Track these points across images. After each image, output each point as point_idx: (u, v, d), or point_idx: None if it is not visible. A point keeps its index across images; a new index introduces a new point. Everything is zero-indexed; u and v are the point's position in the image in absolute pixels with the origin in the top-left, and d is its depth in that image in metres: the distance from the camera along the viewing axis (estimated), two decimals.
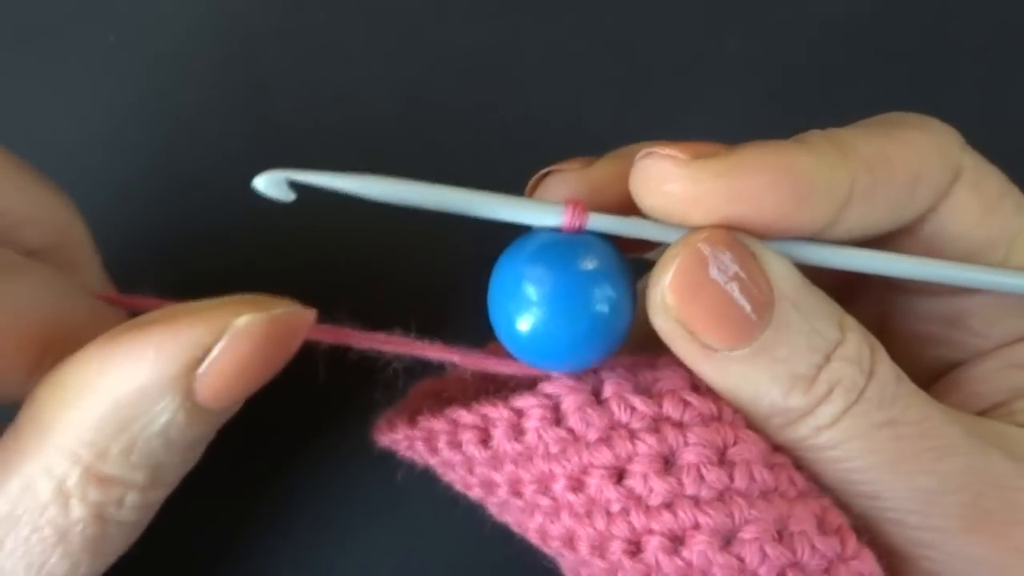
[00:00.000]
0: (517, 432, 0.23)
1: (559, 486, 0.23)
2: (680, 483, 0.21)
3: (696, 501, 0.21)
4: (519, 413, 0.23)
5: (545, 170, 0.24)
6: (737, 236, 0.21)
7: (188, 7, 0.34)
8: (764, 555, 0.21)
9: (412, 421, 0.25)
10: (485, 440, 0.24)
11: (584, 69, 0.34)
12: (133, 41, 0.34)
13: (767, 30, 0.34)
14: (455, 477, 0.26)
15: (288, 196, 0.21)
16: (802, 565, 0.21)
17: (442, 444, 0.24)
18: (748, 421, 0.22)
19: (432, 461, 0.26)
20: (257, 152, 0.34)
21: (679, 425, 0.22)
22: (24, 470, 0.21)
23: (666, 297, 0.21)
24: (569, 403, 0.23)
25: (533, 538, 0.25)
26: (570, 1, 0.34)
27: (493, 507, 0.26)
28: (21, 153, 0.35)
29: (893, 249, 0.23)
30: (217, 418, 0.22)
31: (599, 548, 0.22)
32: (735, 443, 0.22)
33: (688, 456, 0.22)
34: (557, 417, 0.23)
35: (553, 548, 0.24)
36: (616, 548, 0.22)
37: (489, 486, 0.25)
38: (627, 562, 0.22)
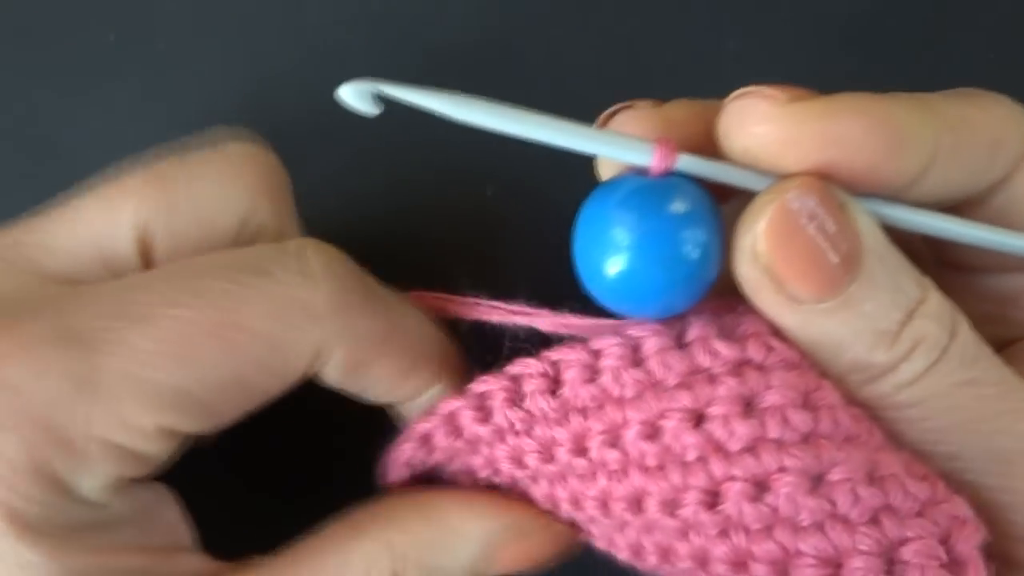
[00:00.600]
0: (592, 373, 0.22)
1: (631, 434, 0.22)
2: (763, 425, 0.20)
3: (780, 444, 0.20)
4: (596, 354, 0.23)
5: (615, 107, 0.23)
6: (830, 186, 0.21)
7: (188, 6, 0.34)
8: (856, 497, 0.20)
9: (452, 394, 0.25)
10: (553, 389, 0.23)
11: (584, 69, 0.34)
12: (133, 40, 0.34)
13: (767, 30, 0.34)
14: (476, 462, 0.25)
15: (374, 109, 0.20)
16: (895, 508, 0.20)
17: (497, 405, 0.23)
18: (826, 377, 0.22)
19: (438, 453, 0.25)
20: None
21: (761, 368, 0.21)
22: (358, 549, 0.24)
23: (758, 243, 0.21)
24: (650, 345, 0.22)
25: (591, 509, 0.23)
26: (570, 1, 0.34)
27: (530, 485, 0.25)
28: (21, 153, 0.35)
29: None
30: None
31: (671, 504, 0.21)
32: (818, 389, 0.21)
33: (771, 398, 0.21)
34: (636, 359, 0.22)
35: (615, 515, 0.23)
36: (692, 500, 0.21)
37: (543, 450, 0.23)
38: (704, 515, 0.21)
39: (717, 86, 0.23)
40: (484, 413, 0.24)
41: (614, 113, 0.23)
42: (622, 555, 0.24)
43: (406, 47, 0.34)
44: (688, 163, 0.21)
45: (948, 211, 0.23)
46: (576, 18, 0.34)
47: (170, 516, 0.24)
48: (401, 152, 0.34)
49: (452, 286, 0.28)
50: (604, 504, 0.23)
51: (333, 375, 0.24)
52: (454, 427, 0.24)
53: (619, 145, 0.21)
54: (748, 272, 0.21)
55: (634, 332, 0.23)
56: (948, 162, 0.22)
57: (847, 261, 0.21)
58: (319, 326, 0.23)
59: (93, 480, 0.22)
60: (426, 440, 0.25)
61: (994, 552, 0.22)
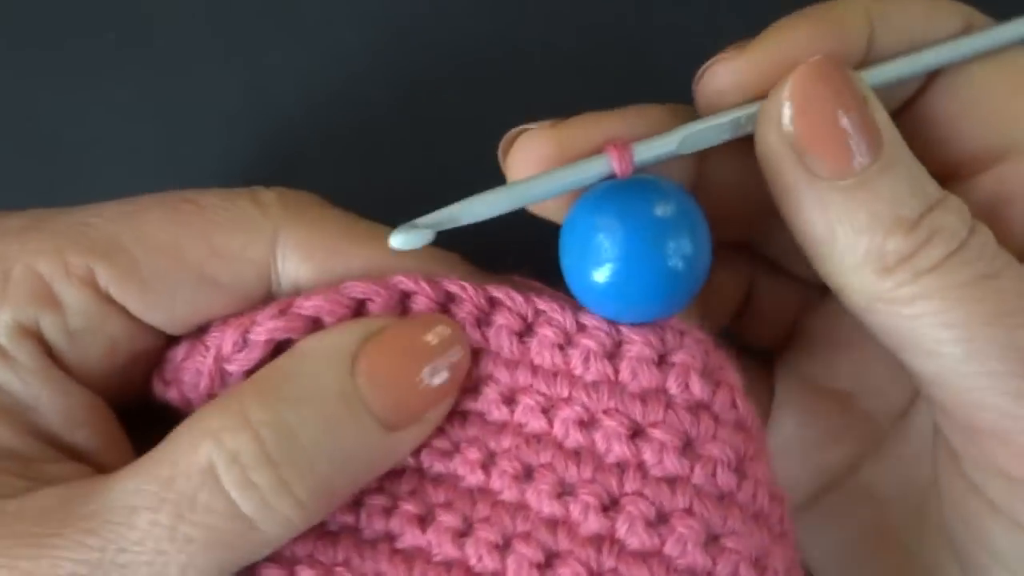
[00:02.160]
0: (566, 342, 0.23)
1: (568, 413, 0.22)
2: (691, 469, 0.21)
3: (699, 491, 0.21)
4: (580, 327, 0.23)
5: (511, 133, 0.24)
6: (851, 71, 0.22)
7: (188, 6, 0.34)
8: (735, 571, 0.21)
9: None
10: (523, 335, 0.23)
11: (584, 69, 0.34)
12: (133, 40, 0.34)
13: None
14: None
15: (427, 238, 0.21)
16: None
17: (463, 317, 0.23)
18: (837, 287, 0.22)
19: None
20: (257, 152, 0.34)
21: (717, 420, 0.22)
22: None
23: (784, 107, 0.21)
24: (632, 350, 0.22)
25: (467, 458, 0.23)
26: (570, 1, 0.34)
27: None
28: (21, 153, 0.35)
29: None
30: None
31: (565, 489, 0.22)
32: (754, 459, 0.22)
33: (710, 450, 0.21)
34: (613, 353, 0.22)
35: (491, 478, 0.22)
36: (590, 495, 0.21)
37: (474, 381, 0.23)
38: (593, 515, 0.21)
39: None
40: (446, 307, 0.23)
41: (513, 140, 0.24)
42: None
43: (406, 47, 0.34)
44: (646, 150, 0.22)
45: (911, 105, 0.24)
46: (576, 18, 0.34)
47: (85, 421, 0.24)
48: (401, 152, 0.34)
49: None
50: (489, 459, 0.23)
51: (300, 265, 0.24)
52: (404, 309, 0.24)
53: (577, 172, 0.22)
54: (772, 140, 0.22)
55: (626, 331, 0.23)
56: (886, 25, 0.23)
57: (870, 141, 0.21)
58: (267, 216, 0.24)
59: (10, 312, 0.23)
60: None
61: (1016, 471, 0.22)
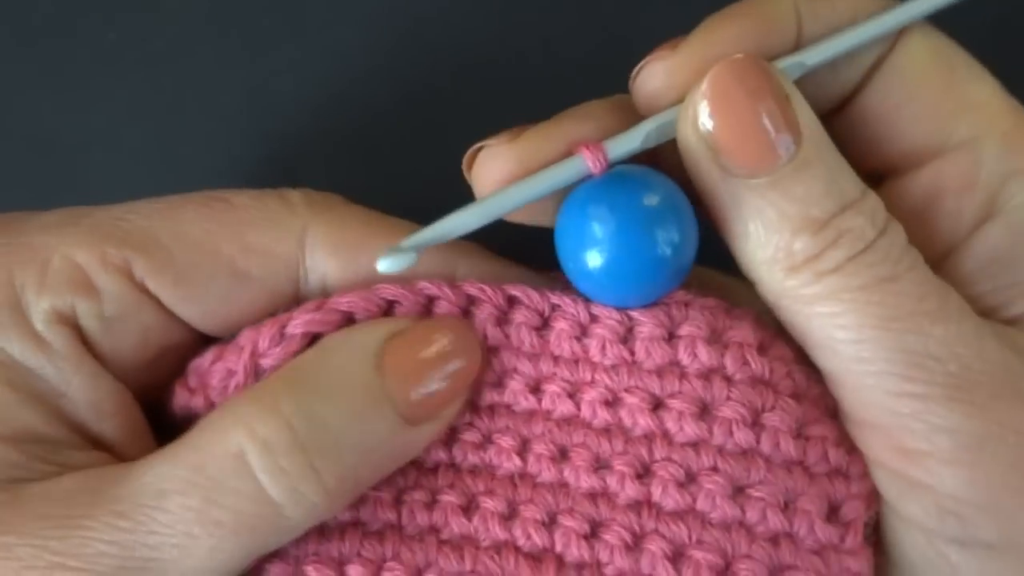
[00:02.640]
0: (582, 332, 0.24)
1: (593, 394, 0.24)
2: (710, 431, 0.23)
3: (720, 450, 0.23)
4: (593, 318, 0.24)
5: (472, 150, 0.24)
6: (772, 68, 0.22)
7: (188, 6, 0.34)
8: (764, 516, 0.23)
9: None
10: (541, 329, 0.25)
11: (584, 69, 0.34)
12: (133, 40, 0.34)
13: None
14: None
15: (412, 259, 0.23)
16: (796, 539, 0.23)
17: (484, 316, 0.24)
18: (752, 280, 0.23)
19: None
20: (257, 152, 0.34)
21: (729, 380, 0.23)
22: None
23: (699, 106, 0.22)
24: (643, 331, 0.24)
25: (500, 447, 0.24)
26: (570, 1, 0.34)
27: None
28: (21, 153, 0.35)
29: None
30: None
31: (600, 463, 0.24)
32: (772, 408, 0.23)
33: (725, 411, 0.23)
34: (626, 336, 0.24)
35: (527, 461, 0.24)
36: (624, 465, 0.23)
37: (497, 374, 0.25)
38: (629, 483, 0.23)
39: None
40: (467, 315, 0.25)
41: (473, 157, 0.24)
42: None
43: (406, 47, 0.34)
44: (617, 146, 0.23)
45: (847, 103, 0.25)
46: (576, 18, 0.34)
47: (114, 411, 0.25)
48: (401, 151, 0.34)
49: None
50: (523, 445, 0.24)
51: (328, 260, 0.25)
52: (428, 311, 0.25)
53: (555, 175, 0.23)
54: (689, 138, 0.22)
55: (635, 314, 0.24)
56: (813, 17, 0.23)
57: (783, 141, 0.21)
58: (295, 215, 0.25)
59: (49, 298, 0.23)
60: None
61: (890, 463, 0.23)
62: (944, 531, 0.23)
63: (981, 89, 0.24)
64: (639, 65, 0.23)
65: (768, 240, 0.22)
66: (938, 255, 0.25)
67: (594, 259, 0.23)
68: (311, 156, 0.34)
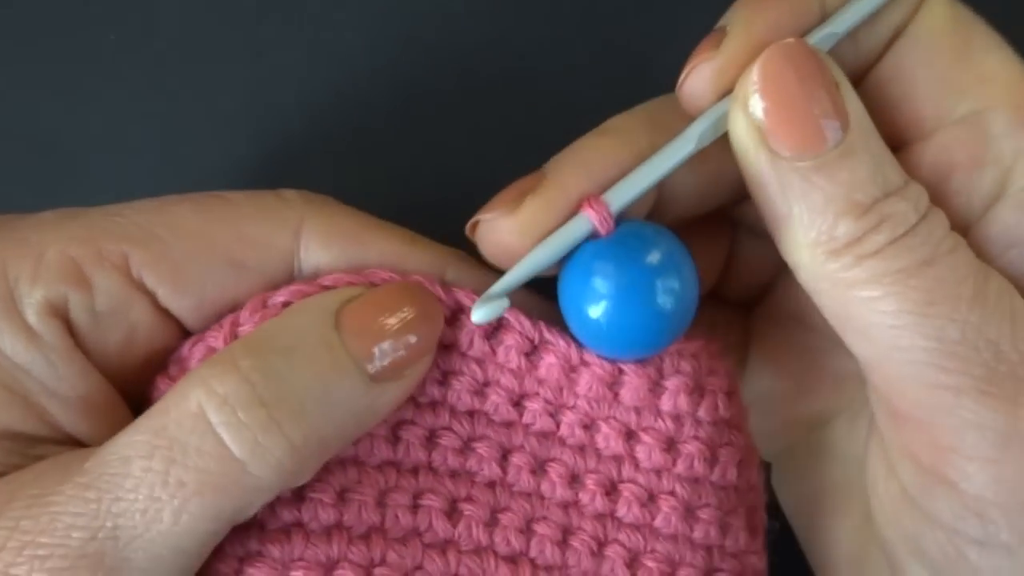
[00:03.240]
0: (570, 371, 0.25)
1: (570, 418, 0.26)
2: (674, 462, 0.25)
3: (680, 477, 0.26)
4: (582, 361, 0.25)
5: (472, 223, 0.25)
6: (822, 54, 0.23)
7: (188, 6, 0.34)
8: (707, 533, 0.26)
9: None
10: (529, 355, 0.26)
11: (584, 69, 0.34)
12: (133, 40, 0.34)
13: None
14: None
15: (501, 308, 0.24)
16: (725, 547, 0.26)
17: (473, 328, 0.25)
18: (791, 264, 0.24)
19: None
20: (257, 152, 0.34)
21: (698, 422, 0.26)
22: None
23: (750, 89, 0.22)
24: (631, 382, 0.25)
25: (478, 454, 0.26)
26: (570, 1, 0.34)
27: (433, 406, 0.26)
28: (21, 153, 0.35)
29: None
30: None
31: (574, 478, 0.26)
32: (727, 444, 0.26)
33: (690, 447, 0.25)
34: (612, 383, 0.25)
35: (507, 471, 0.26)
36: (595, 483, 0.26)
37: (478, 383, 0.26)
38: (599, 498, 0.25)
39: None
40: (455, 318, 0.25)
41: (474, 229, 0.25)
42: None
43: (406, 47, 0.34)
44: (618, 195, 0.24)
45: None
46: (576, 18, 0.34)
47: (101, 408, 0.24)
48: (401, 152, 0.34)
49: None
50: (503, 455, 0.26)
51: (322, 252, 0.25)
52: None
53: (563, 238, 0.24)
54: (740, 121, 0.23)
55: (625, 367, 0.25)
56: None
57: (832, 125, 0.22)
58: (291, 209, 0.25)
59: (42, 290, 0.23)
60: None
61: (922, 458, 0.23)
62: (966, 531, 0.23)
63: (995, 60, 0.24)
64: (686, 69, 0.24)
65: (811, 223, 0.22)
66: None
67: (596, 313, 0.24)
68: (311, 157, 0.34)
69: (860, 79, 0.25)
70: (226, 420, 0.21)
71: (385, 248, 0.26)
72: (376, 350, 0.23)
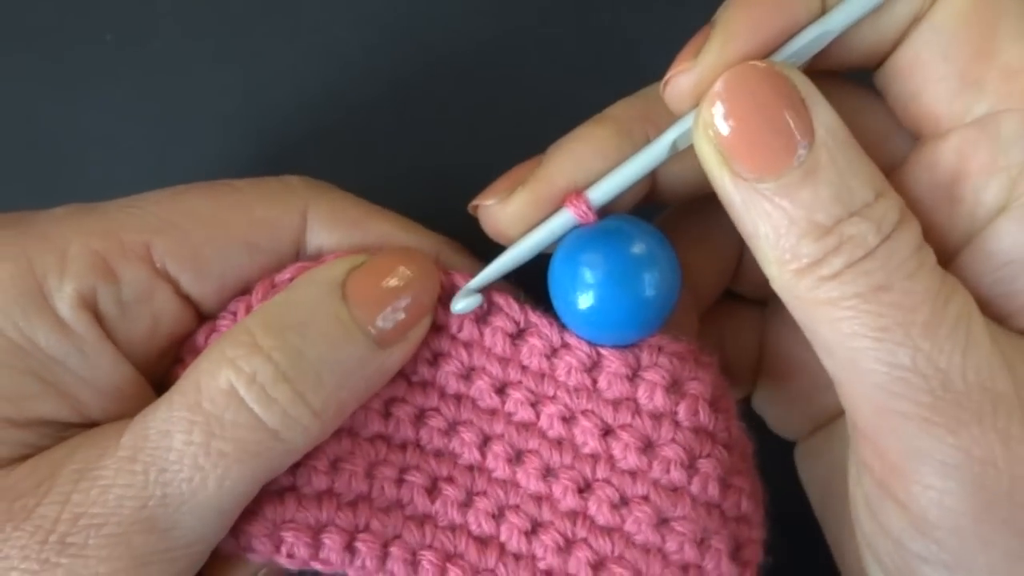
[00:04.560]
0: (550, 354, 0.26)
1: (551, 410, 0.26)
2: (650, 465, 0.26)
3: (655, 483, 0.25)
4: (564, 345, 0.26)
5: (473, 203, 0.26)
6: (787, 71, 0.22)
7: (185, 6, 0.34)
8: (681, 548, 0.25)
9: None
10: (515, 338, 0.27)
11: (583, 69, 0.34)
12: (130, 40, 0.34)
13: None
14: None
15: (477, 300, 0.26)
16: (704, 571, 0.26)
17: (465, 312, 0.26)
18: (766, 276, 0.24)
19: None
20: (255, 152, 0.34)
21: (676, 424, 0.26)
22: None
23: (710, 110, 0.22)
24: (609, 367, 0.26)
25: (462, 439, 0.27)
26: (570, 1, 0.34)
27: (418, 389, 0.27)
28: (20, 152, 0.35)
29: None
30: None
31: (548, 472, 0.26)
32: (708, 456, 0.26)
33: (667, 451, 0.25)
34: (592, 368, 0.26)
35: (486, 459, 0.27)
36: (568, 479, 0.26)
37: (464, 368, 0.27)
38: (571, 495, 0.26)
39: None
40: (449, 301, 0.26)
41: (475, 211, 0.27)
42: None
43: (406, 47, 0.34)
44: (599, 191, 0.25)
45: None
46: (575, 18, 0.34)
47: (131, 396, 0.26)
48: (400, 151, 0.34)
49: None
50: (484, 441, 0.27)
51: (326, 234, 0.27)
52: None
53: (545, 232, 0.25)
54: (702, 143, 0.23)
55: (604, 351, 0.26)
56: None
57: (791, 146, 0.22)
58: (296, 194, 0.27)
59: (72, 283, 0.24)
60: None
61: (875, 472, 0.23)
62: (911, 546, 0.23)
63: (1021, 51, 0.23)
64: (665, 79, 0.24)
65: (776, 242, 0.22)
66: (957, 243, 0.24)
67: (582, 302, 0.25)
68: (309, 156, 0.34)
69: (877, 65, 0.24)
70: (257, 396, 0.23)
71: (383, 231, 0.27)
72: (381, 317, 0.25)
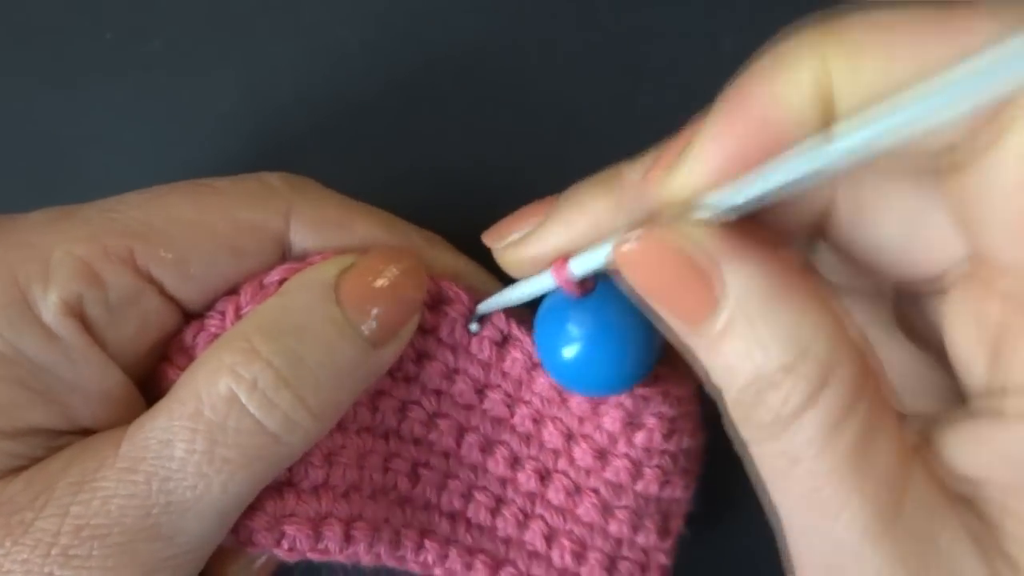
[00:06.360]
0: (530, 368, 0.29)
1: (524, 411, 0.29)
2: (603, 467, 0.29)
3: (606, 481, 0.29)
4: (562, 395, 0.29)
5: (484, 236, 0.27)
6: (692, 239, 0.21)
7: (185, 6, 0.34)
8: (620, 529, 0.29)
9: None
10: (499, 345, 0.29)
11: (582, 69, 0.34)
12: (129, 39, 0.34)
13: (763, 30, 0.34)
14: None
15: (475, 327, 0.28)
16: (635, 542, 0.30)
17: (454, 315, 0.28)
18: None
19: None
20: (254, 151, 0.34)
21: (630, 443, 0.28)
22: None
23: (631, 274, 0.22)
24: (576, 398, 0.29)
25: (440, 430, 0.29)
26: (570, 1, 0.34)
27: (399, 382, 0.29)
28: (20, 152, 0.35)
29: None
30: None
31: (516, 460, 0.30)
32: (655, 466, 0.29)
33: (617, 462, 0.29)
34: (562, 391, 0.29)
35: (461, 447, 0.30)
36: (531, 469, 0.29)
37: (448, 370, 0.29)
38: (533, 481, 0.29)
39: (712, 86, 0.23)
40: (437, 306, 0.28)
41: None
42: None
43: (406, 47, 0.34)
44: (581, 263, 0.25)
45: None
46: (575, 18, 0.34)
47: (121, 400, 0.26)
48: (400, 151, 0.34)
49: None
50: (460, 432, 0.30)
51: (311, 237, 0.27)
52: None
53: (533, 287, 0.26)
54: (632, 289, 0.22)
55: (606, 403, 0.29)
56: (846, 82, 0.20)
57: (705, 305, 0.21)
58: (279, 195, 0.27)
59: (57, 291, 0.24)
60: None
61: None
62: None
63: None
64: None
65: (719, 381, 0.22)
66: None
67: (558, 356, 0.27)
68: (308, 154, 0.34)
69: (957, 169, 0.20)
70: (259, 402, 0.24)
71: (365, 233, 0.28)
72: (373, 317, 0.25)
